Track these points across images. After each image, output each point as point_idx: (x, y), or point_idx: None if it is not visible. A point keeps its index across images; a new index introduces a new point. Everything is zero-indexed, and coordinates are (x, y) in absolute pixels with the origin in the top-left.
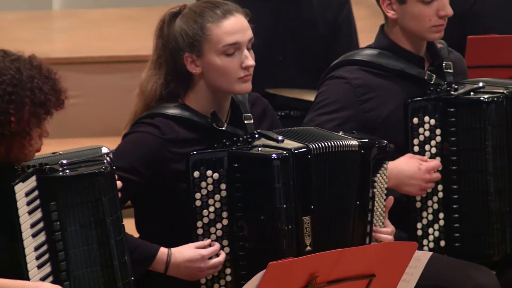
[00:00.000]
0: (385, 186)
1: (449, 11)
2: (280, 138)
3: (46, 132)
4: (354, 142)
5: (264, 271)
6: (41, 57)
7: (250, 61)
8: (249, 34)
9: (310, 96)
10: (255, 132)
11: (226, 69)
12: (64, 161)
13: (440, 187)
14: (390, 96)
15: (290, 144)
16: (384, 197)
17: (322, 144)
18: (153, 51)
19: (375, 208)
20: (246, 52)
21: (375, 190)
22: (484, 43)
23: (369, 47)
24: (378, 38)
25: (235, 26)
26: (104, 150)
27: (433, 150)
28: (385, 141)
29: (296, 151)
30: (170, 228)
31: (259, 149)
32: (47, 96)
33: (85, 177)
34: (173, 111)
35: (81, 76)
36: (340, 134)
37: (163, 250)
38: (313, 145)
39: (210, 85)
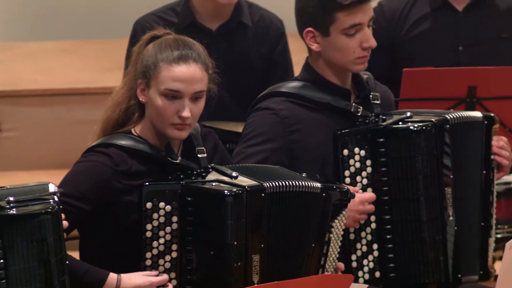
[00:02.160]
0: (342, 233)
1: (373, 43)
2: (234, 174)
3: None
4: (317, 185)
5: None
6: None
7: (186, 113)
8: (196, 87)
9: None
10: (208, 166)
11: (161, 111)
12: (11, 198)
13: (372, 217)
14: (317, 128)
15: (244, 181)
16: (339, 243)
17: (278, 183)
18: (130, 65)
19: (329, 253)
20: (186, 102)
21: (331, 235)
22: (419, 75)
23: (295, 79)
24: (303, 70)
25: (182, 75)
26: (51, 187)
27: (364, 181)
28: (346, 187)
29: (249, 189)
30: (116, 259)
31: (213, 184)
32: None
33: (32, 217)
34: (127, 142)
35: (17, 109)
36: (303, 175)
37: (112, 275)
38: (268, 184)
39: (149, 118)
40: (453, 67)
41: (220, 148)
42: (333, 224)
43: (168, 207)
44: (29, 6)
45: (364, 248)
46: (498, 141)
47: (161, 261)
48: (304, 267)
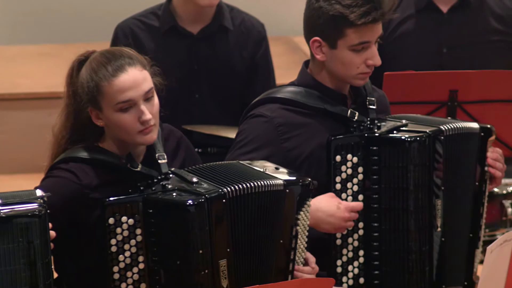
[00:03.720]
0: (308, 223)
1: (378, 61)
2: (195, 179)
3: None
4: (279, 181)
5: None
6: None
7: (147, 116)
8: (144, 87)
9: (227, 133)
10: (169, 171)
11: (123, 125)
12: None
13: (361, 224)
14: (312, 134)
15: (205, 187)
16: (307, 233)
17: (240, 186)
18: (64, 97)
19: (297, 245)
20: (142, 106)
21: (298, 228)
22: (400, 79)
23: (292, 84)
24: (301, 75)
25: (126, 84)
26: (38, 193)
27: (355, 187)
28: (309, 179)
29: (209, 196)
30: (87, 272)
31: (174, 194)
32: None
33: (20, 219)
34: (85, 154)
35: None
36: (264, 170)
37: None
38: (229, 188)
39: (114, 136)
40: (434, 71)
41: (183, 144)
42: (299, 217)
43: (131, 221)
44: (9, 10)
45: (350, 254)
46: (493, 153)
47: (129, 274)
48: (274, 263)
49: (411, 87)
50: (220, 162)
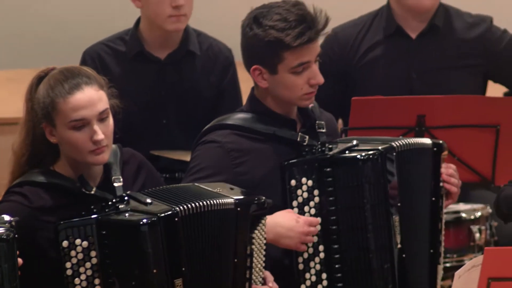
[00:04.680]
0: (264, 242)
1: (320, 79)
2: (148, 200)
3: None
4: (230, 200)
5: None
6: None
7: (99, 136)
8: (99, 107)
9: None
10: (124, 194)
11: (75, 143)
12: None
13: (321, 247)
14: (264, 159)
15: (158, 207)
16: (263, 252)
17: (192, 205)
18: (23, 114)
19: (253, 264)
20: (95, 126)
21: (253, 246)
22: (368, 104)
23: (240, 111)
24: (248, 101)
25: (81, 102)
26: (6, 217)
27: (312, 210)
28: (263, 198)
29: (162, 215)
30: None
31: (127, 214)
32: None
33: None
34: (41, 178)
35: None
36: (218, 190)
37: None
38: (182, 207)
39: (67, 155)
40: (401, 96)
41: (144, 168)
42: (254, 236)
43: (85, 243)
44: None
45: (313, 278)
46: (447, 169)
47: None
48: (230, 282)
49: (379, 112)
50: (175, 185)
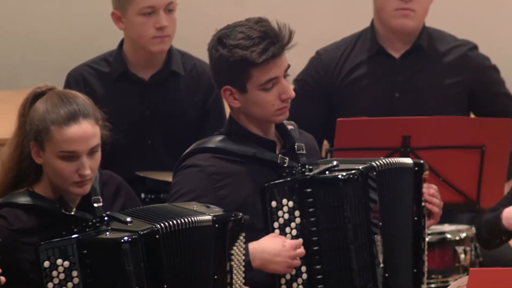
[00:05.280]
0: (243, 258)
1: (291, 94)
2: (128, 219)
3: None
4: (208, 217)
5: None
6: None
7: (86, 171)
8: (91, 143)
9: None
10: (104, 215)
11: (61, 173)
12: None
13: (304, 268)
14: (245, 181)
15: (138, 225)
16: (243, 268)
17: (172, 222)
18: (15, 127)
19: (233, 281)
20: (84, 160)
21: (232, 263)
22: (353, 125)
23: (220, 133)
24: (227, 124)
25: (75, 136)
26: None
27: (294, 232)
28: (240, 214)
29: (143, 233)
30: None
31: (107, 233)
32: None
33: None
34: (20, 199)
35: None
36: (194, 208)
37: None
38: (162, 225)
39: (49, 177)
40: (387, 117)
41: (123, 190)
42: (233, 252)
43: (66, 263)
44: None
45: None
46: (429, 189)
47: None
48: None
49: (364, 133)
50: (152, 205)
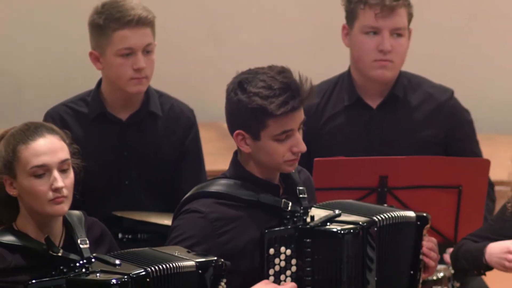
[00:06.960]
0: None
1: (303, 148)
2: (117, 262)
3: None
4: (191, 263)
5: None
6: None
7: (59, 183)
8: (60, 156)
9: (158, 219)
10: (91, 256)
11: (34, 191)
12: None
13: None
14: (247, 226)
15: (128, 268)
16: None
17: (161, 266)
18: None
19: None
20: (56, 174)
21: None
22: (330, 165)
23: (223, 176)
24: (231, 167)
25: (42, 148)
26: None
27: (288, 280)
28: (221, 260)
29: (135, 275)
30: None
31: (98, 274)
32: None
33: None
34: (5, 238)
35: None
36: (176, 254)
37: None
38: (153, 268)
39: (26, 208)
40: (364, 157)
41: (107, 237)
42: None
43: None
44: None
45: None
46: (428, 242)
47: None
48: None
49: (341, 173)
50: (135, 249)
